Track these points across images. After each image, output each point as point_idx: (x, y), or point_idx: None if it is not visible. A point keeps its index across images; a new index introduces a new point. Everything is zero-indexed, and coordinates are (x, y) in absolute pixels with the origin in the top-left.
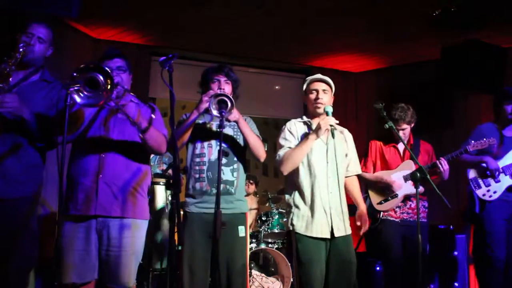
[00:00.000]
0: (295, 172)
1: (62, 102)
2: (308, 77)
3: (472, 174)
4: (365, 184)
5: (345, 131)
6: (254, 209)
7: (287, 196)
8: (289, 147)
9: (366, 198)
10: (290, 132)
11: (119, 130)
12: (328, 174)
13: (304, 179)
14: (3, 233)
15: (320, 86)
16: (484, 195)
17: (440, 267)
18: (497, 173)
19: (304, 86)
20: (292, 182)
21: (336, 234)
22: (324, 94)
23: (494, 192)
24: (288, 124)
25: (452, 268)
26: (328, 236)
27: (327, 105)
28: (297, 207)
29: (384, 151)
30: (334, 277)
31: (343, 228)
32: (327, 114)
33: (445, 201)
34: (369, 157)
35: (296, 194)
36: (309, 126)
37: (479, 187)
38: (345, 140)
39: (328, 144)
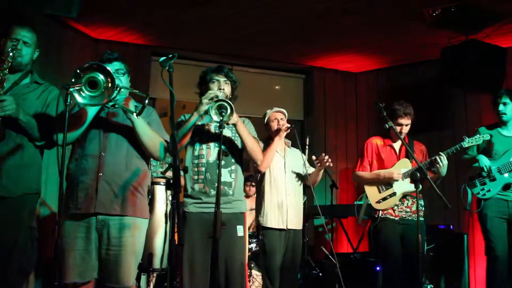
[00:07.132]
0: (262, 180)
1: (55, 102)
2: (267, 112)
3: (469, 173)
4: (363, 184)
5: (294, 149)
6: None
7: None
8: None
9: (364, 197)
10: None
11: (118, 130)
12: (286, 180)
13: (267, 185)
14: (5, 231)
15: (279, 115)
16: (478, 193)
17: (445, 267)
18: (490, 171)
19: (265, 120)
20: (259, 188)
21: (290, 227)
22: (282, 121)
23: (488, 191)
24: None
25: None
26: (284, 227)
27: None
28: (263, 206)
29: (380, 150)
30: (286, 261)
31: (295, 223)
32: None
33: (444, 200)
34: (365, 157)
35: (263, 197)
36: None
37: (474, 185)
38: (300, 155)
39: (286, 157)
